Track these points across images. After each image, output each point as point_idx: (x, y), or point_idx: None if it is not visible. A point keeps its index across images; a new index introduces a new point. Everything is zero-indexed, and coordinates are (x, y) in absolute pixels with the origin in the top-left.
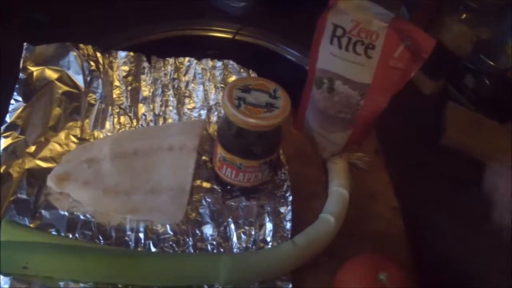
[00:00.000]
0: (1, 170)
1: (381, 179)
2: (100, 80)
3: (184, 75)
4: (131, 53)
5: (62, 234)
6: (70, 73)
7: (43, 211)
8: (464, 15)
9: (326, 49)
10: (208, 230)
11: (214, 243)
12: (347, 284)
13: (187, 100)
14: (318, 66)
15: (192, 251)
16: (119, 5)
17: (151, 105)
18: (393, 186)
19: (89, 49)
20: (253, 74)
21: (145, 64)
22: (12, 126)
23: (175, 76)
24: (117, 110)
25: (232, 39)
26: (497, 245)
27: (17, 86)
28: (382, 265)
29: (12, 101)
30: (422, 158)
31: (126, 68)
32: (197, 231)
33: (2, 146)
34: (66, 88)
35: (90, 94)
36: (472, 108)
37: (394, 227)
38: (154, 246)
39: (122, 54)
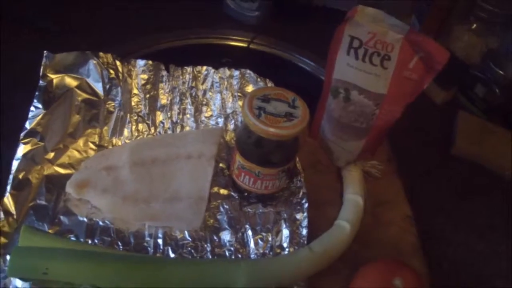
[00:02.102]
0: (20, 177)
1: (394, 187)
2: (119, 88)
3: (202, 84)
4: (150, 62)
5: (81, 240)
6: (90, 80)
7: (62, 217)
8: (474, 25)
9: (342, 59)
10: (226, 236)
11: (232, 249)
12: None
13: (204, 108)
14: (335, 76)
15: (210, 257)
16: (132, 15)
17: (169, 113)
18: (406, 194)
19: (109, 57)
20: (269, 84)
21: (164, 73)
22: (31, 133)
23: (193, 84)
24: (135, 118)
25: (246, 47)
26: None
27: (37, 93)
28: (397, 271)
29: (32, 108)
30: (434, 166)
31: (145, 76)
32: (215, 237)
33: (22, 153)
34: (85, 96)
35: (109, 102)
36: (482, 117)
37: (407, 234)
38: (173, 252)
39: (141, 62)
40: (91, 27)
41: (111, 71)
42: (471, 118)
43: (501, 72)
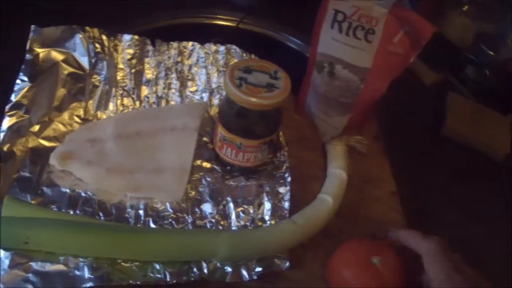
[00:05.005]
0: (5, 149)
1: (381, 165)
2: (104, 62)
3: (188, 59)
4: (136, 37)
5: (63, 210)
6: (76, 55)
7: (45, 188)
8: (466, 7)
9: (327, 33)
10: (207, 208)
11: (213, 220)
12: (340, 267)
13: (189, 83)
14: (319, 51)
15: (191, 228)
16: None
17: (154, 88)
18: (392, 172)
19: (95, 31)
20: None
21: (150, 48)
22: (17, 105)
23: (179, 59)
24: (120, 92)
25: (235, 27)
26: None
27: (23, 66)
28: (376, 249)
29: (18, 81)
30: (422, 146)
31: (131, 51)
32: (196, 209)
33: (7, 125)
34: (71, 70)
35: (95, 76)
36: (473, 99)
37: (393, 211)
38: (154, 223)
39: (127, 37)
40: (87, 8)
41: (97, 45)
42: (461, 100)
43: (492, 53)
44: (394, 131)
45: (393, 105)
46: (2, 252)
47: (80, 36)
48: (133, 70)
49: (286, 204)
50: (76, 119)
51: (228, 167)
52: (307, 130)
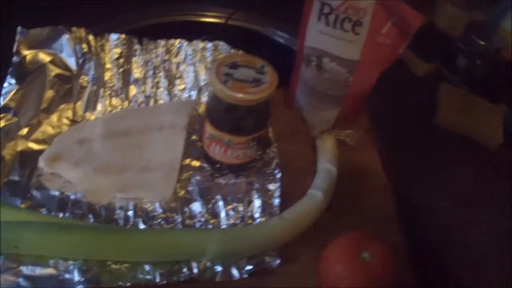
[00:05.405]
0: None
1: (372, 157)
2: (92, 63)
3: (175, 57)
4: (123, 36)
5: (53, 213)
6: (63, 56)
7: (34, 192)
8: None
9: (314, 27)
10: (197, 207)
11: (203, 219)
12: (332, 262)
13: (178, 81)
14: (307, 44)
15: (180, 228)
16: None
17: (143, 87)
18: (384, 164)
19: (82, 32)
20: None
21: (137, 46)
22: (5, 109)
23: (166, 57)
24: (108, 92)
25: (224, 24)
26: (486, 221)
27: (10, 69)
28: (366, 243)
29: (5, 84)
30: (414, 137)
31: (118, 50)
32: (186, 209)
33: None
34: (58, 71)
35: (82, 77)
36: (465, 89)
37: (385, 204)
38: (143, 223)
39: (114, 36)
40: (73, 5)
41: (84, 45)
42: (453, 90)
43: (483, 43)
44: (385, 123)
45: (385, 96)
46: None
47: (67, 36)
48: (120, 70)
49: (276, 201)
50: (65, 121)
51: (218, 165)
52: (297, 125)
